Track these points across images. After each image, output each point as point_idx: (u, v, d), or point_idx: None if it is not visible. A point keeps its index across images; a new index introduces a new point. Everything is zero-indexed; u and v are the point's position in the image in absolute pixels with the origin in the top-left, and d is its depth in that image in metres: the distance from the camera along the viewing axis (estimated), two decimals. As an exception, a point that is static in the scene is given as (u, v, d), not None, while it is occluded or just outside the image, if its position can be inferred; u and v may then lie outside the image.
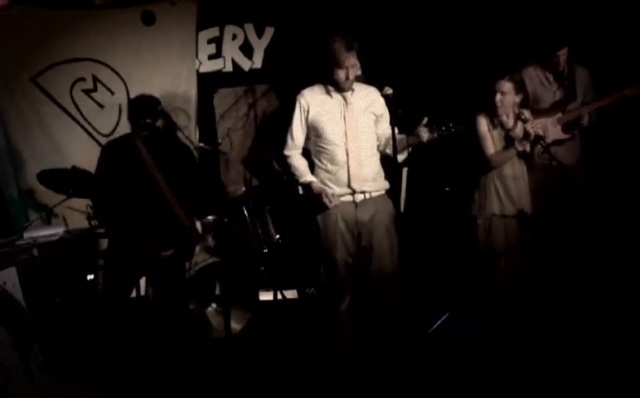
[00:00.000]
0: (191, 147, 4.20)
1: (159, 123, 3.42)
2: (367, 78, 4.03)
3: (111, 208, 3.42)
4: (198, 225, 3.67)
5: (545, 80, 3.95)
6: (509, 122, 3.61)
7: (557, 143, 3.79)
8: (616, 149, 4.08)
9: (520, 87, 3.57)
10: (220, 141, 5.03)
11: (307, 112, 3.27)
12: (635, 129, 3.97)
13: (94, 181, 3.55)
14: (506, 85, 3.53)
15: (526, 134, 3.50)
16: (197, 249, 3.85)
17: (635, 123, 3.92)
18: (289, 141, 3.33)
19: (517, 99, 3.56)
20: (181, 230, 3.36)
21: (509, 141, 3.59)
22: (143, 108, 3.39)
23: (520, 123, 3.56)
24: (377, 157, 3.34)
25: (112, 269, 3.48)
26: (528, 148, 3.58)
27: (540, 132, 3.51)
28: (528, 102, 3.73)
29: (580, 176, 3.94)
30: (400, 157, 3.36)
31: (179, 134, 4.15)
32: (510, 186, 3.60)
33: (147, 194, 3.28)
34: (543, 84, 3.95)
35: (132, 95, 4.87)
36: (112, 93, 4.93)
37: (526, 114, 3.57)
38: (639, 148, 3.99)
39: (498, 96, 3.54)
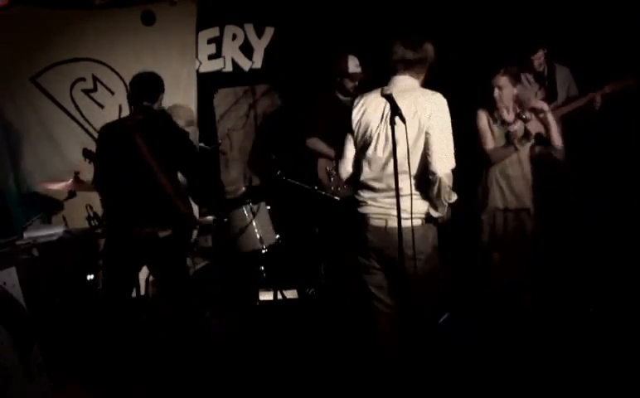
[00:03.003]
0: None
1: (157, 105, 3.41)
2: (368, 77, 4.06)
3: (108, 192, 3.41)
4: (195, 211, 3.64)
5: (525, 81, 3.97)
6: (509, 116, 3.61)
7: (547, 142, 3.79)
8: (599, 145, 4.08)
9: (516, 78, 3.58)
10: (220, 141, 5.03)
11: None
12: (618, 125, 3.97)
13: (95, 165, 3.54)
14: (502, 79, 3.54)
15: (527, 133, 3.50)
16: (195, 233, 3.81)
17: (617, 118, 3.93)
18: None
19: (515, 90, 3.57)
20: (176, 214, 3.35)
21: (509, 138, 3.60)
22: (142, 90, 3.37)
23: (520, 122, 3.57)
24: None
25: (112, 260, 3.45)
26: (528, 147, 3.59)
27: (540, 130, 3.51)
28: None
29: (568, 173, 3.95)
30: None
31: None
32: (512, 184, 3.61)
33: (140, 178, 3.26)
34: (524, 86, 3.95)
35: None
36: (112, 93, 4.94)
37: (527, 113, 3.58)
38: (625, 143, 4.00)
39: (496, 91, 3.55)
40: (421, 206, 2.72)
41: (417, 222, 2.66)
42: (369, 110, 2.76)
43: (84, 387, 3.28)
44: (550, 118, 3.52)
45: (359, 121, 2.79)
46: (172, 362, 3.40)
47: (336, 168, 2.99)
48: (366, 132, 2.76)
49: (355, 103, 2.84)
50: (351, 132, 2.83)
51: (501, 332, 3.46)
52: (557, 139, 3.52)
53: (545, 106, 3.55)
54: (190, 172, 3.46)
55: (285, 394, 3.24)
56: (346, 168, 2.90)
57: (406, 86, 2.68)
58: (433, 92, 2.76)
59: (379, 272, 2.82)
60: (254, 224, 4.14)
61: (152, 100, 3.38)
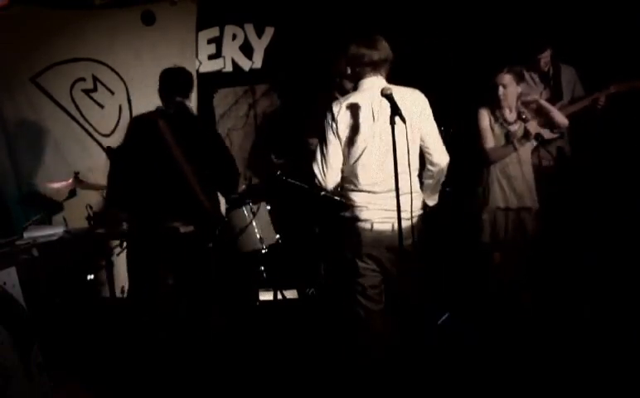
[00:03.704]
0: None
1: (188, 102, 3.37)
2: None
3: (129, 185, 3.34)
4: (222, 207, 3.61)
5: (530, 80, 3.97)
6: (511, 116, 3.61)
7: (546, 142, 3.80)
8: (604, 145, 4.08)
9: (520, 77, 3.57)
10: (220, 141, 5.03)
11: None
12: (620, 124, 3.97)
13: (117, 156, 3.50)
14: (507, 77, 3.53)
15: (526, 133, 3.51)
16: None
17: (622, 118, 3.94)
18: None
19: (519, 88, 3.56)
20: (201, 210, 3.32)
21: (509, 138, 3.60)
22: (175, 85, 3.33)
23: (520, 122, 3.57)
24: None
25: (136, 259, 3.41)
26: (530, 147, 3.60)
27: (540, 130, 3.52)
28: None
29: (571, 172, 3.96)
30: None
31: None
32: (513, 183, 3.61)
33: (166, 171, 3.22)
34: (529, 85, 3.96)
35: (132, 95, 4.91)
36: (112, 93, 4.94)
37: (527, 113, 3.58)
38: (627, 142, 4.00)
39: (501, 89, 3.53)
40: (419, 203, 2.81)
41: (416, 219, 2.74)
42: (355, 114, 2.72)
43: (84, 387, 3.28)
44: (545, 104, 3.54)
45: (346, 127, 2.73)
46: (172, 362, 3.40)
47: (324, 179, 2.83)
48: (356, 136, 2.73)
49: (335, 111, 2.76)
50: (338, 139, 2.76)
51: (501, 331, 3.46)
52: (560, 119, 3.54)
53: (534, 97, 3.58)
54: (222, 170, 3.41)
55: (285, 394, 3.24)
56: (335, 179, 2.83)
57: (382, 86, 2.62)
58: (413, 89, 2.80)
59: (376, 273, 2.83)
60: (254, 224, 4.15)
61: (184, 96, 3.34)
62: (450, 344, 3.40)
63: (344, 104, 2.75)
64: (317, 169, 2.83)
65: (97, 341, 3.58)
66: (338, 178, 2.84)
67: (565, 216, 3.88)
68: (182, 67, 3.41)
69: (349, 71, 2.87)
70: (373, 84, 2.71)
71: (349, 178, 2.81)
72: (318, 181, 2.85)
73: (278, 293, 4.25)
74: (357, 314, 2.86)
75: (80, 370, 3.38)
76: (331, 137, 2.77)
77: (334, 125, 2.74)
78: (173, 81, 3.34)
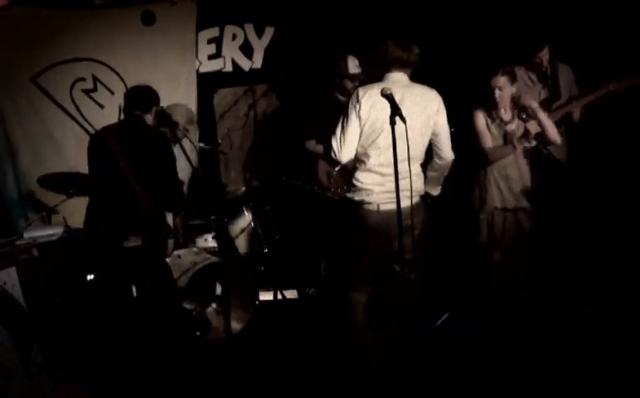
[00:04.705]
0: (191, 147, 4.16)
1: (148, 117, 3.42)
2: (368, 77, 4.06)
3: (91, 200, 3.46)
4: (169, 219, 3.63)
5: (529, 80, 3.97)
6: (506, 115, 3.61)
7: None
8: (602, 144, 4.08)
9: (513, 77, 3.59)
10: (220, 141, 5.03)
11: None
12: (621, 123, 3.97)
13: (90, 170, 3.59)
14: (501, 80, 3.55)
15: (526, 133, 3.51)
16: (171, 244, 3.79)
17: (621, 117, 3.93)
18: None
19: (514, 88, 3.58)
20: (146, 223, 3.35)
21: (508, 138, 3.60)
22: (135, 99, 3.42)
23: (519, 122, 3.57)
24: None
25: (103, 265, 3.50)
26: (528, 147, 3.59)
27: (539, 130, 3.51)
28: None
29: (569, 172, 3.95)
30: None
31: (176, 133, 4.06)
32: (510, 183, 3.61)
33: (115, 184, 3.29)
34: (527, 85, 3.96)
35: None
36: (112, 93, 4.94)
37: (526, 113, 3.58)
38: (628, 141, 3.99)
39: (497, 92, 3.55)
40: (421, 187, 3.11)
41: (417, 199, 3.02)
42: (377, 101, 2.90)
43: (84, 387, 3.28)
44: (542, 115, 3.52)
45: (368, 111, 2.96)
46: (172, 362, 3.40)
47: (339, 152, 3.05)
48: (376, 121, 2.96)
49: (360, 94, 2.99)
50: (359, 119, 2.98)
51: (501, 331, 3.46)
52: (553, 135, 3.53)
53: (533, 103, 3.56)
54: (166, 188, 3.45)
55: (285, 394, 3.24)
56: (349, 154, 3.05)
57: (405, 82, 3.00)
58: (430, 88, 3.09)
59: (381, 255, 3.06)
60: (254, 224, 4.14)
61: (144, 111, 3.41)
62: (450, 344, 3.40)
63: (369, 90, 2.99)
64: (334, 142, 3.07)
65: (97, 341, 3.58)
66: (352, 155, 3.07)
67: (565, 215, 3.87)
68: (148, 86, 3.49)
69: (375, 65, 3.14)
70: (399, 78, 3.00)
71: (361, 158, 3.05)
72: (334, 153, 3.08)
73: (278, 293, 4.25)
74: (357, 301, 3.11)
75: (80, 370, 3.38)
76: (352, 116, 3.00)
77: (357, 106, 2.98)
78: (133, 96, 3.45)
